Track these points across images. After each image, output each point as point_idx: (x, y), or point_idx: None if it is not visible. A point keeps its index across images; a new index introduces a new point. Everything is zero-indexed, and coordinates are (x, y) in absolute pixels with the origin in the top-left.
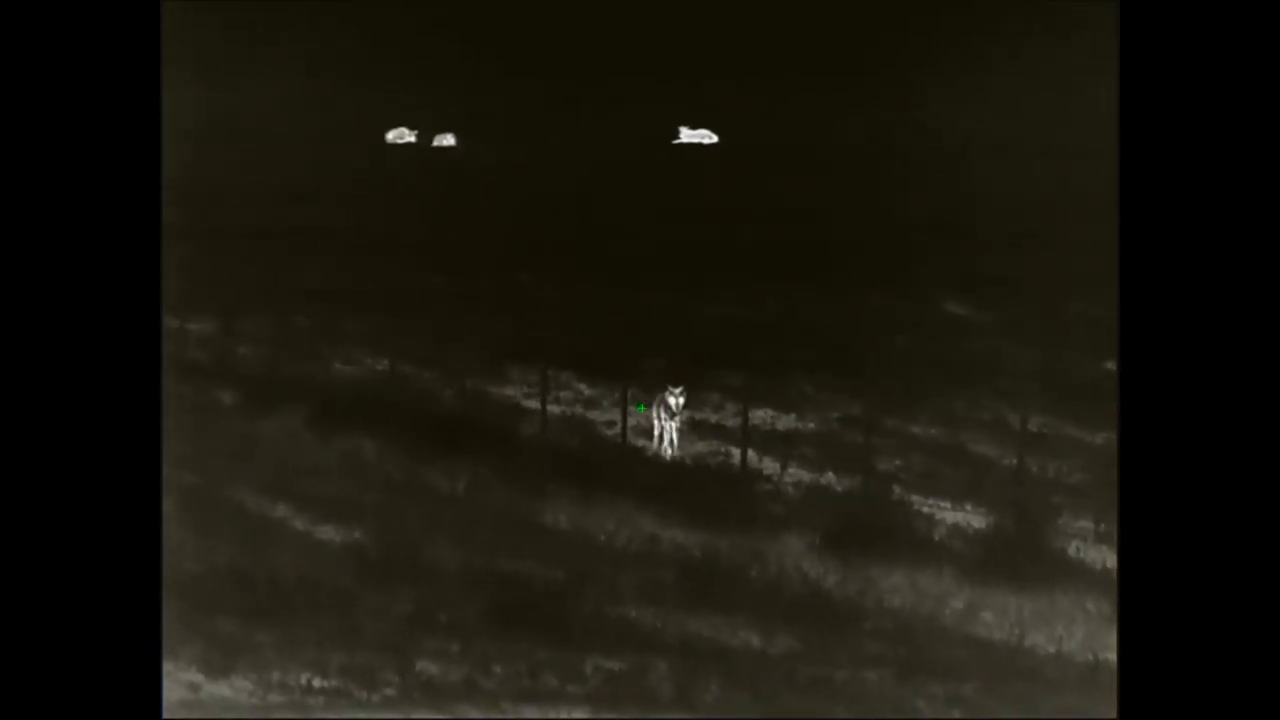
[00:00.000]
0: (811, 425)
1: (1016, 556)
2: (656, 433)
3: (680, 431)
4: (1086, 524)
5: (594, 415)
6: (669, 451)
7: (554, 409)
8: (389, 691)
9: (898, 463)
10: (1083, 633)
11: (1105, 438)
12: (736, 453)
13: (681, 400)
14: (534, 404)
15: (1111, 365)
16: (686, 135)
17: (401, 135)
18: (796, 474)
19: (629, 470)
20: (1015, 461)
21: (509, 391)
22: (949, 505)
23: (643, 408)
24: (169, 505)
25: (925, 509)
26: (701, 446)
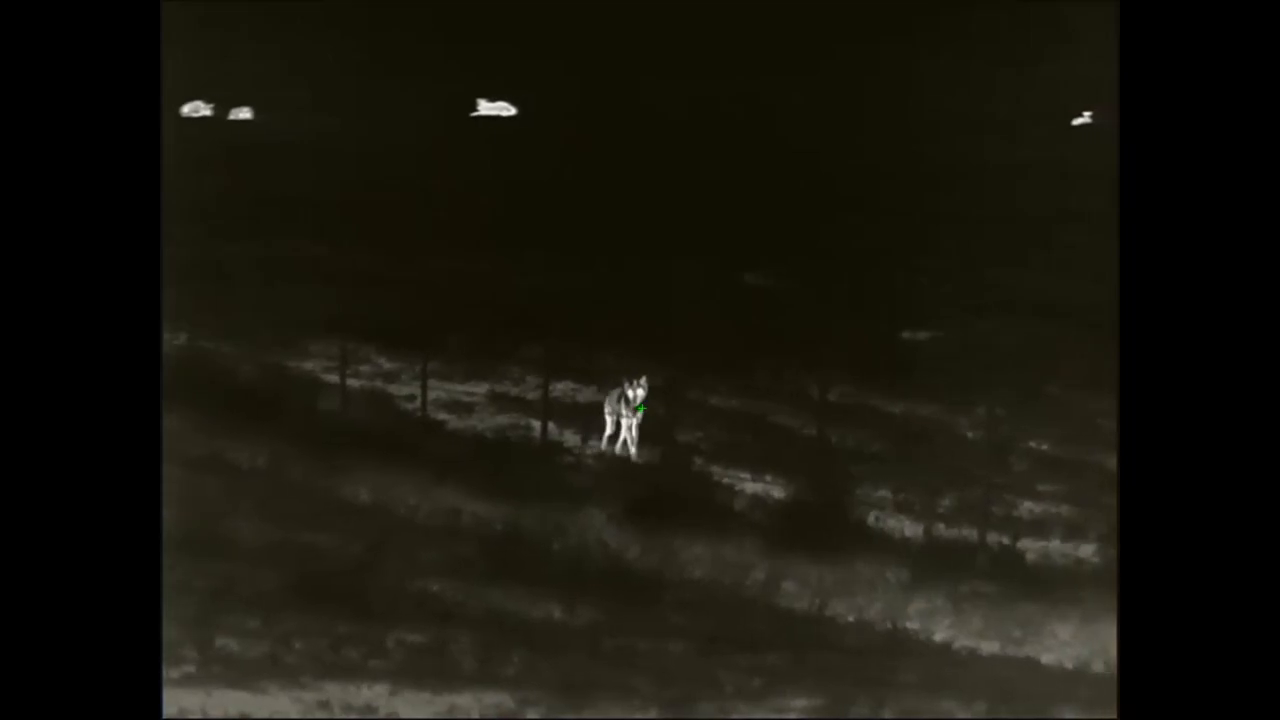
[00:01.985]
0: None
1: (817, 526)
2: (609, 431)
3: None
4: (885, 494)
5: (394, 389)
6: (631, 450)
7: (354, 383)
8: (188, 668)
9: (698, 434)
10: (883, 601)
11: (903, 407)
12: (537, 425)
13: (642, 393)
14: (333, 378)
15: (909, 335)
16: (485, 108)
17: (197, 109)
18: (597, 446)
19: (429, 443)
20: (815, 432)
21: (308, 365)
22: (749, 476)
23: (642, 408)
24: None
25: (726, 480)
26: (502, 419)
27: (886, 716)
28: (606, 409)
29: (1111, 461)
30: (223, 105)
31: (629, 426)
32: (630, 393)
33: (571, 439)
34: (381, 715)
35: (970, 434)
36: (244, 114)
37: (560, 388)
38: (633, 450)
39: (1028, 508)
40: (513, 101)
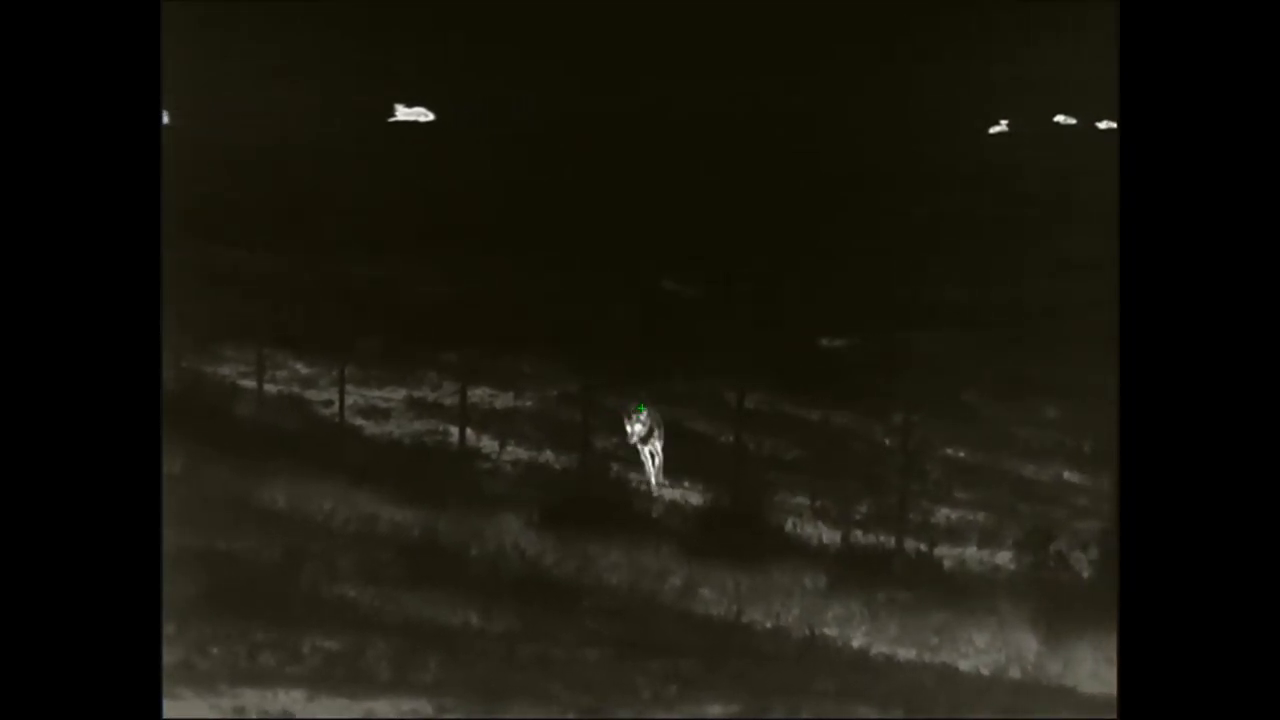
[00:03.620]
0: (529, 403)
1: (734, 533)
2: (646, 464)
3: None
4: (803, 500)
5: (311, 394)
6: (653, 481)
7: (270, 388)
8: None
9: (615, 440)
10: (799, 608)
11: (820, 414)
12: (455, 431)
13: (640, 428)
14: (250, 383)
15: (826, 342)
16: (403, 113)
17: None
18: (515, 452)
19: (346, 449)
20: (732, 438)
21: (224, 370)
22: (667, 483)
23: (642, 407)
24: None
25: (643, 486)
26: (419, 425)
27: None
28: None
29: (1027, 469)
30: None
31: (651, 455)
32: (629, 426)
33: (489, 444)
34: None
35: (887, 441)
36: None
37: (477, 393)
38: (654, 481)
39: (944, 514)
40: (430, 107)
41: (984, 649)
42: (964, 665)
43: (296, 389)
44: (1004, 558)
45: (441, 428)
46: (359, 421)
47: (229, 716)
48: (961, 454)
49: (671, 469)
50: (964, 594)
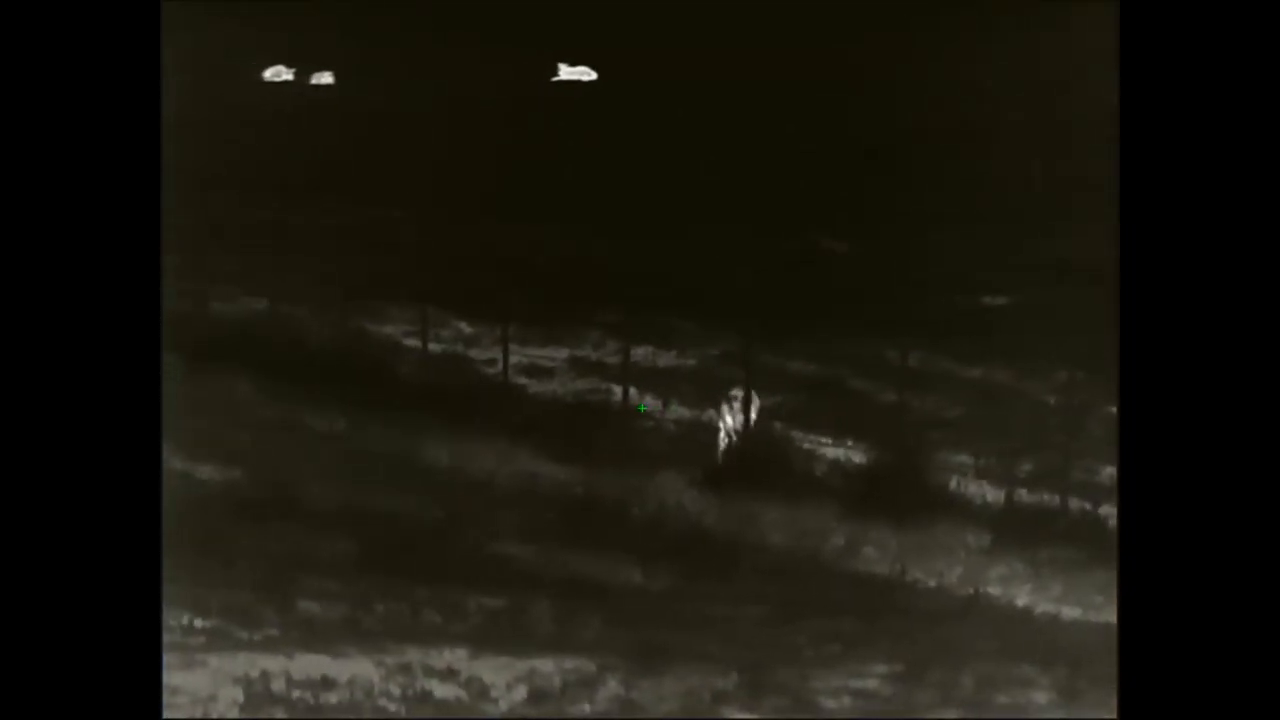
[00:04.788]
0: (691, 362)
1: (896, 492)
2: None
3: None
4: (965, 459)
5: (474, 354)
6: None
7: (434, 347)
8: (271, 631)
9: (776, 399)
10: (963, 567)
11: (980, 372)
12: (618, 390)
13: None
14: (414, 342)
15: (989, 300)
16: (566, 72)
17: (279, 74)
18: (677, 411)
19: (510, 408)
20: (894, 397)
21: (388, 330)
22: (829, 441)
23: (642, 408)
24: None
25: (805, 445)
26: (581, 384)
27: (965, 682)
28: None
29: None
30: (303, 71)
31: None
32: (729, 418)
33: (651, 403)
34: (463, 678)
35: (1050, 399)
36: (325, 78)
37: (640, 352)
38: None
39: (1108, 473)
40: (593, 66)
41: None
42: None
43: (460, 348)
44: None
45: (604, 386)
46: (522, 380)
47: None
48: None
49: (833, 427)
50: None
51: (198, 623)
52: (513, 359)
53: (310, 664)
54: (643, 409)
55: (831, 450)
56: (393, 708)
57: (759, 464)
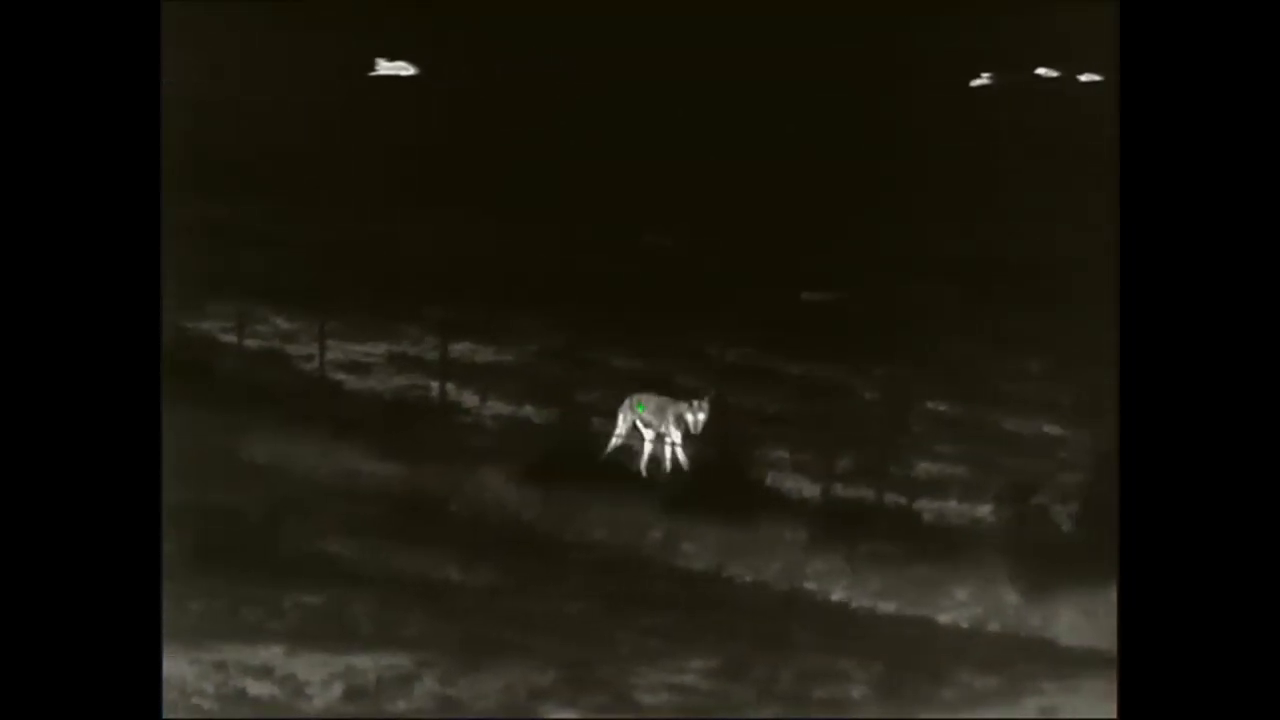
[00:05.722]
0: (510, 358)
1: (716, 487)
2: (646, 455)
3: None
4: (783, 454)
5: (292, 350)
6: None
7: (251, 343)
8: None
9: (597, 394)
10: (781, 562)
11: (802, 368)
12: (436, 385)
13: (703, 417)
14: (230, 338)
15: (810, 295)
16: (384, 67)
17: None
18: (496, 406)
19: (329, 404)
20: (714, 392)
21: (205, 326)
22: (649, 436)
23: (643, 407)
24: None
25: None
26: (400, 380)
27: (783, 677)
28: (623, 422)
29: (1009, 422)
30: None
31: (673, 445)
32: (690, 416)
33: (470, 399)
34: (278, 676)
35: (869, 395)
36: None
37: (459, 348)
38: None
39: (925, 468)
40: (413, 61)
41: (964, 602)
42: (944, 619)
43: (278, 344)
44: (985, 511)
45: (423, 382)
46: (340, 376)
47: (210, 675)
48: (943, 407)
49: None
50: (945, 547)
51: None
52: (331, 355)
53: None
54: (642, 409)
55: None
56: (206, 705)
57: (579, 459)
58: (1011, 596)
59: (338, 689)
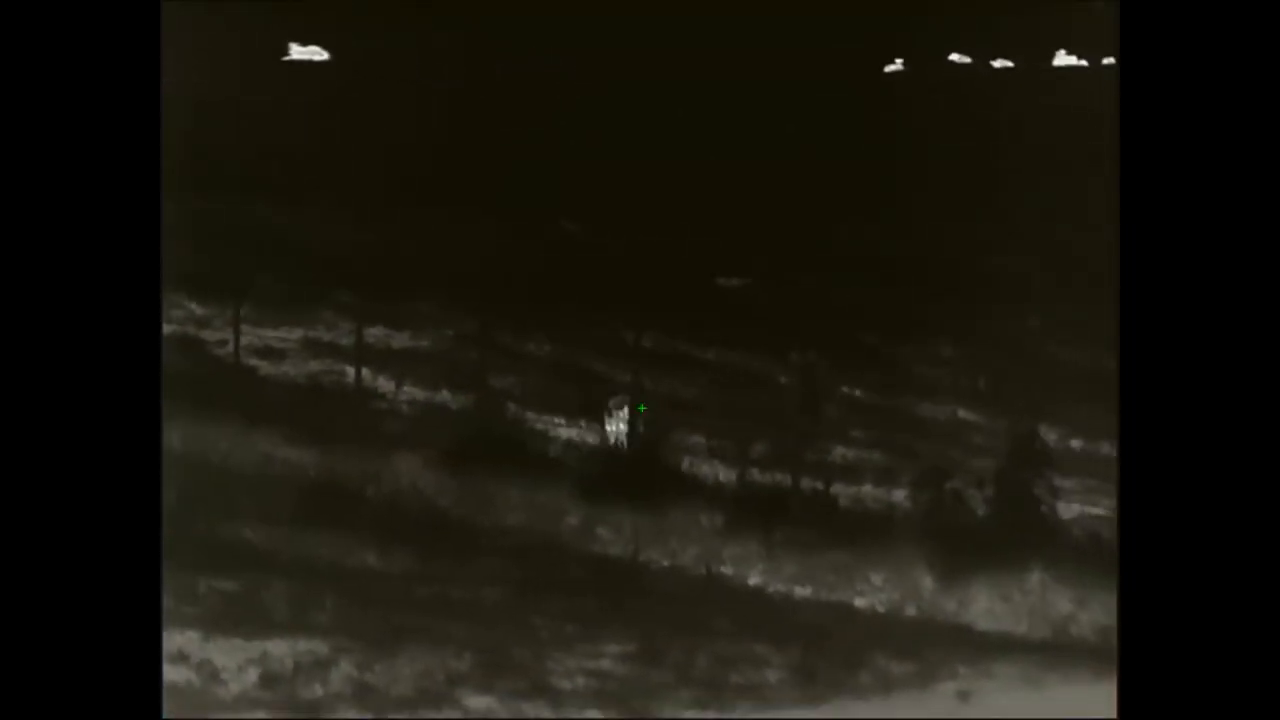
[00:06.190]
0: (425, 343)
1: (631, 473)
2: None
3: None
4: (699, 440)
5: (206, 335)
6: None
7: (165, 328)
8: None
9: (511, 379)
10: (697, 547)
11: (716, 353)
12: (350, 371)
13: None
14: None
15: (724, 281)
16: (296, 52)
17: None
18: (411, 392)
19: (243, 390)
20: (629, 378)
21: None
22: (564, 422)
23: (643, 408)
24: None
25: (540, 426)
26: (315, 365)
27: (700, 662)
28: (622, 423)
29: (922, 407)
30: None
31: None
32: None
33: (385, 385)
34: (194, 661)
35: (784, 380)
36: None
37: (374, 333)
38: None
39: (841, 453)
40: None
41: (880, 586)
42: (860, 603)
43: (192, 330)
44: (900, 496)
45: (338, 367)
46: (254, 361)
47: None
48: (858, 393)
49: (568, 408)
50: (860, 532)
51: None
52: (245, 340)
53: None
54: (642, 409)
55: (566, 430)
56: None
57: (494, 444)
58: (927, 581)
59: (253, 674)
